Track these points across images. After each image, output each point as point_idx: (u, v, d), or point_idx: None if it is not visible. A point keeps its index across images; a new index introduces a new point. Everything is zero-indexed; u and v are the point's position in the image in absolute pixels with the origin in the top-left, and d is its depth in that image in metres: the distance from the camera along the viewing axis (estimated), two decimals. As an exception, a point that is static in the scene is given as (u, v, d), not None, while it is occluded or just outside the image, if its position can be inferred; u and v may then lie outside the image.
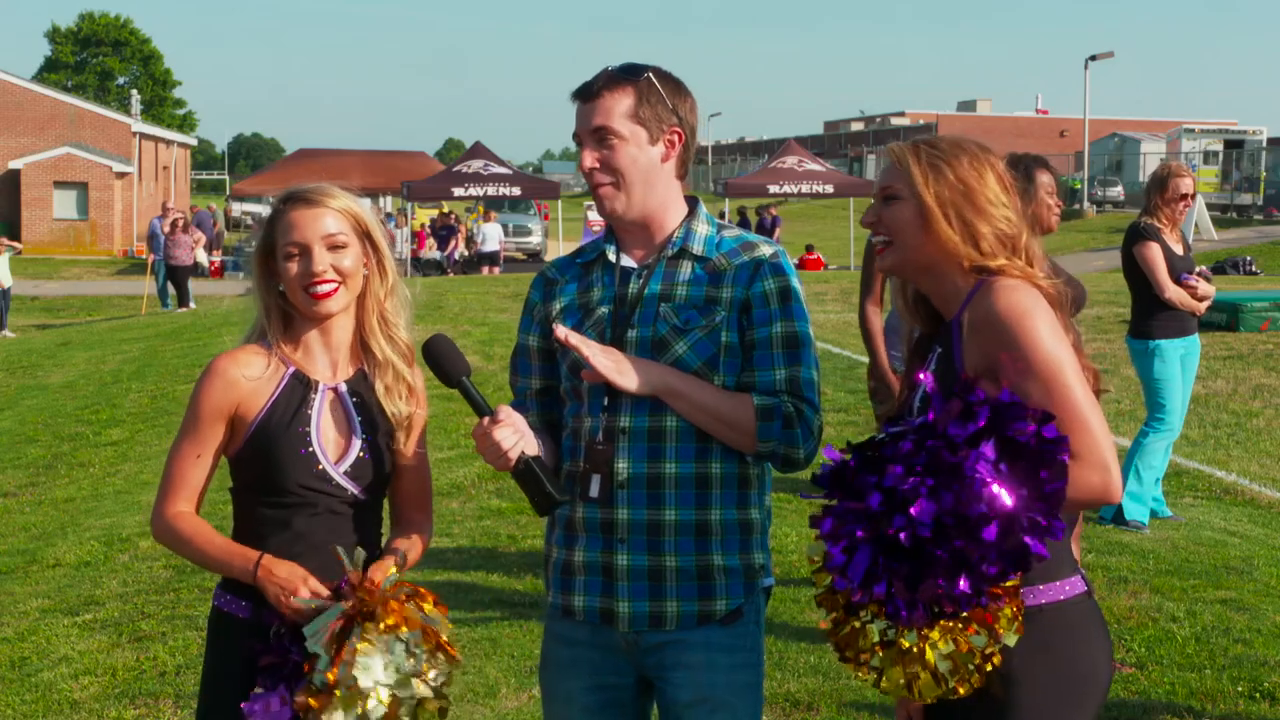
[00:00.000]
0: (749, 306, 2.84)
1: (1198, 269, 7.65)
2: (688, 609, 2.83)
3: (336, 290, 2.81)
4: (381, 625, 2.62)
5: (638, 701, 2.93)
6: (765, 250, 2.89)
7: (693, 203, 2.97)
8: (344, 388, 2.89)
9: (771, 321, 2.84)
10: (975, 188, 2.60)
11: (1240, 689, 5.19)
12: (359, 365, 2.93)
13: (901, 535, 2.32)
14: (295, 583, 2.71)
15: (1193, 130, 52.37)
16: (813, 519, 2.45)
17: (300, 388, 2.84)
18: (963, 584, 2.33)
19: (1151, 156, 53.58)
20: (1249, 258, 31.23)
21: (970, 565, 2.32)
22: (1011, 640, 2.42)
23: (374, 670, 2.59)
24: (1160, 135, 56.58)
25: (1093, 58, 44.66)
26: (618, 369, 2.75)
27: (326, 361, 2.89)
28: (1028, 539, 2.33)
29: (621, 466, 2.82)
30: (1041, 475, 2.34)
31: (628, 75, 2.86)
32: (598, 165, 2.84)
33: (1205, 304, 7.61)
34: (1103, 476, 2.44)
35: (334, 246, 2.81)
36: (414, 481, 3.00)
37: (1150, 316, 7.58)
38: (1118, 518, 7.60)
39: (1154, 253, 7.46)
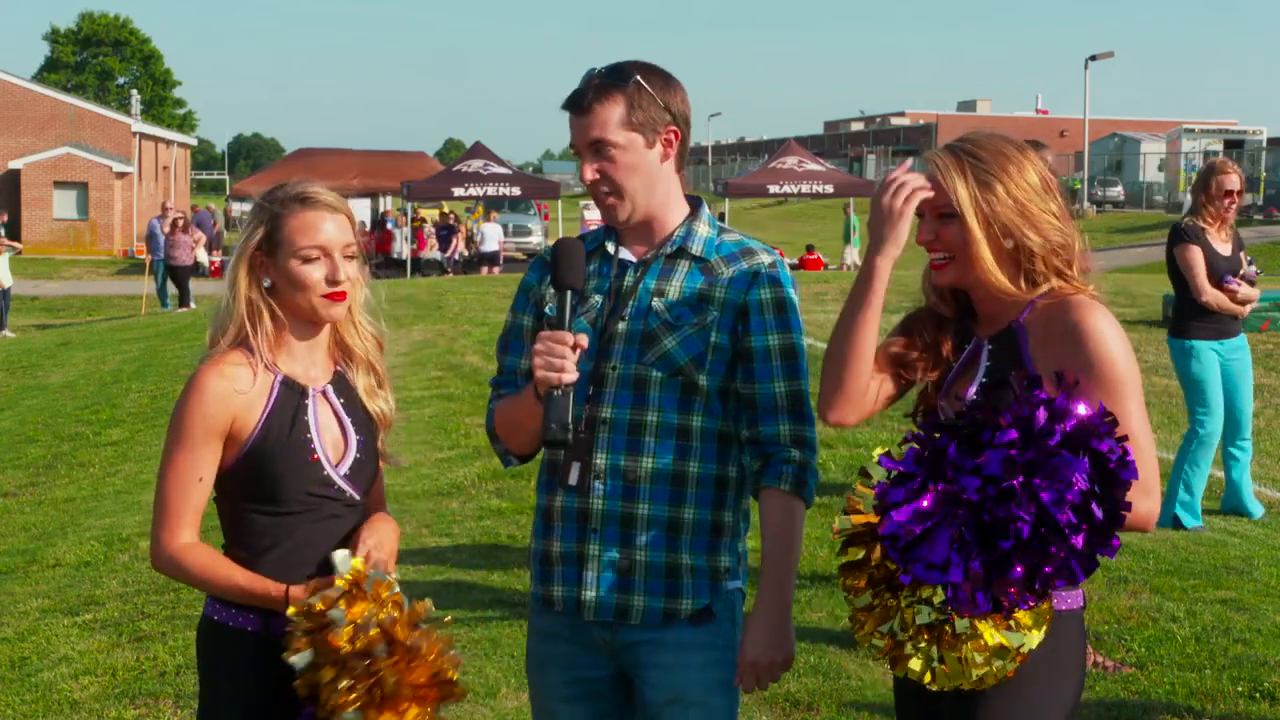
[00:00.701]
0: (745, 313, 2.85)
1: (1243, 270, 7.57)
2: (654, 605, 2.84)
3: (347, 296, 2.80)
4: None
5: (616, 693, 2.94)
6: (764, 258, 2.90)
7: (696, 203, 2.97)
8: (330, 390, 2.86)
9: (768, 331, 2.85)
10: (1025, 200, 2.61)
11: (1240, 689, 5.19)
12: (336, 365, 2.90)
13: (1009, 527, 2.32)
14: None
15: (1193, 130, 52.36)
16: (880, 488, 2.45)
17: (293, 394, 2.78)
18: (1037, 584, 2.36)
19: (1151, 156, 53.66)
20: (1249, 258, 31.24)
21: (1048, 566, 2.34)
22: (1036, 641, 2.45)
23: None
24: (1160, 135, 56.57)
25: (1093, 58, 44.66)
26: (774, 654, 2.82)
27: (309, 363, 2.84)
28: (1101, 552, 2.37)
29: (599, 457, 2.83)
30: (1114, 493, 2.36)
31: (616, 82, 2.82)
32: (598, 177, 2.85)
33: (1248, 307, 7.58)
34: (1149, 505, 2.51)
35: (349, 256, 2.80)
36: (380, 480, 2.99)
37: (1190, 317, 7.56)
38: (1176, 524, 7.65)
39: (1193, 255, 7.42)
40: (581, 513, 2.85)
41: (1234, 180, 7.47)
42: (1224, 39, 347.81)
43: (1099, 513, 2.33)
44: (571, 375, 2.66)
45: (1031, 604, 2.41)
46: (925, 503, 2.38)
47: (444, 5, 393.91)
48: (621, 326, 2.85)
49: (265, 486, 2.74)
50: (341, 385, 2.88)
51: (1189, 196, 7.59)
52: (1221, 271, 7.46)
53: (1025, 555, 2.33)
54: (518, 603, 6.31)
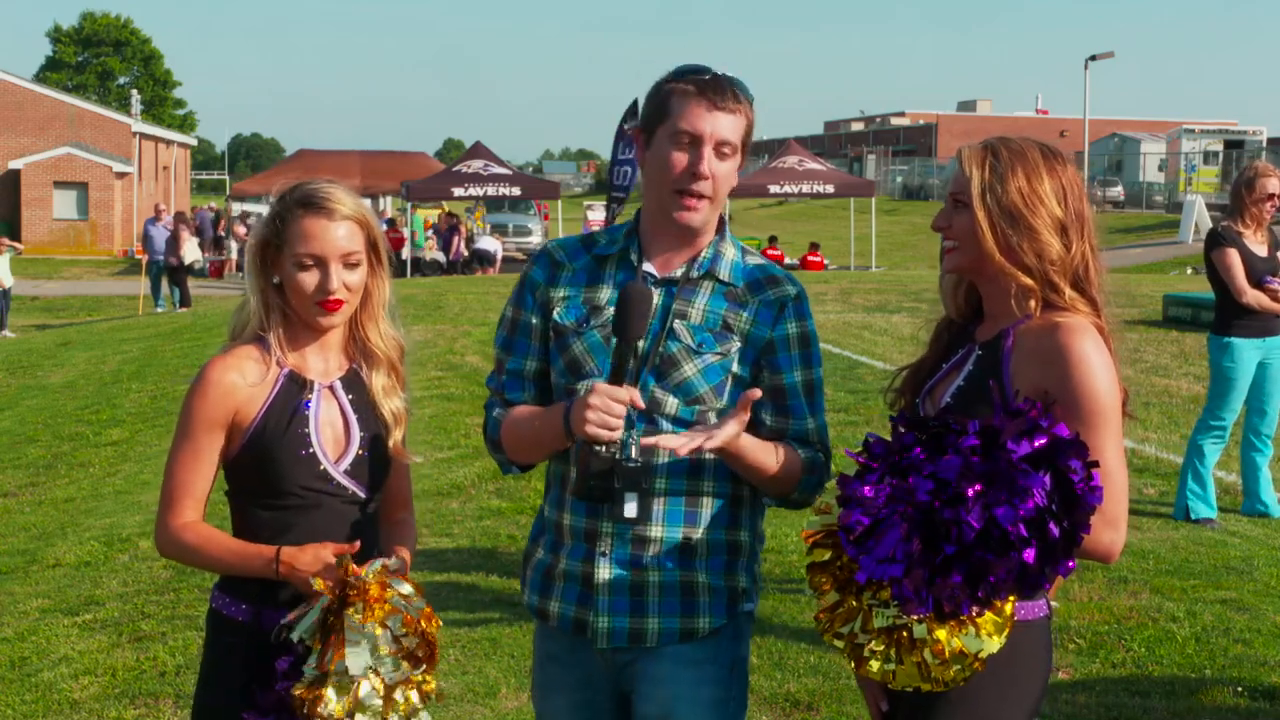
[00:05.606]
0: (772, 349, 2.81)
1: None
2: (669, 625, 2.79)
3: (343, 306, 2.80)
4: (361, 613, 2.61)
5: (618, 712, 2.90)
6: (790, 289, 2.85)
7: (720, 221, 2.89)
8: (339, 385, 2.86)
9: (795, 368, 2.82)
10: (1023, 208, 2.59)
11: (1240, 689, 5.19)
12: (351, 362, 2.90)
13: (952, 530, 2.32)
14: (321, 565, 2.68)
15: (1193, 130, 52.27)
16: (842, 479, 2.45)
17: (295, 388, 2.81)
18: (980, 591, 2.36)
19: (1151, 156, 53.61)
20: None
21: (991, 575, 2.34)
22: (995, 647, 2.46)
23: (362, 656, 2.59)
24: (1160, 135, 56.50)
25: (1093, 58, 44.58)
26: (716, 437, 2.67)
27: (320, 359, 2.86)
28: (1052, 570, 2.37)
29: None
30: (1075, 514, 2.36)
31: (747, 95, 2.78)
32: (710, 177, 2.74)
33: None
34: (1111, 535, 2.51)
35: (349, 265, 2.79)
36: (400, 479, 2.99)
37: (1232, 317, 7.67)
38: (1188, 518, 7.74)
39: (1231, 258, 7.55)
40: (590, 533, 2.80)
41: (1275, 184, 7.61)
42: (1224, 39, 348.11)
43: (1055, 530, 2.33)
44: (620, 433, 2.61)
45: (976, 610, 2.41)
46: (877, 497, 2.39)
47: (444, 5, 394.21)
48: (641, 345, 2.75)
49: (265, 478, 2.77)
50: (353, 382, 2.89)
51: (1201, 199, 7.69)
52: (1260, 272, 7.59)
53: (967, 561, 2.33)
54: (518, 603, 6.30)
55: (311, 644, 2.63)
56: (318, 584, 2.65)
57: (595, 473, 2.62)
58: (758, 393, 2.66)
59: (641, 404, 2.64)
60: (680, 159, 2.72)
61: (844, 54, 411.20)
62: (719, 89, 2.72)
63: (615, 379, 2.62)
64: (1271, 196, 7.56)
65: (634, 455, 2.72)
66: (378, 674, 2.61)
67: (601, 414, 2.58)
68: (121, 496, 9.59)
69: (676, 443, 2.61)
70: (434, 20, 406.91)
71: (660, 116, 2.76)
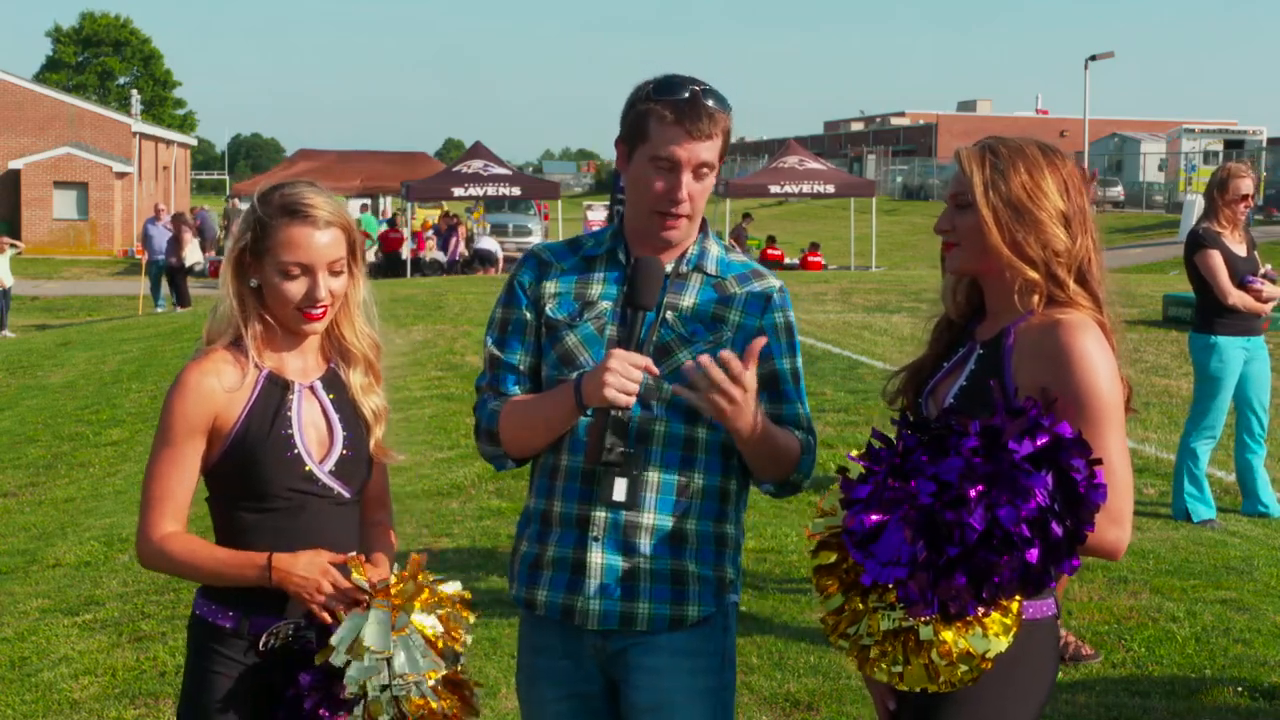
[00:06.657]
0: (761, 336, 2.84)
1: (1263, 269, 7.72)
2: (660, 611, 2.83)
3: (326, 313, 2.79)
4: (397, 599, 2.64)
5: (608, 708, 2.92)
6: (774, 282, 2.94)
7: (702, 222, 2.95)
8: (319, 385, 2.85)
9: (784, 355, 2.90)
10: (1027, 201, 2.60)
11: (1240, 689, 5.19)
12: (329, 362, 2.89)
13: (955, 532, 2.33)
14: (316, 578, 2.68)
15: (1193, 130, 52.26)
16: (845, 483, 2.46)
17: (276, 389, 2.78)
18: (984, 592, 2.36)
19: (1151, 156, 53.60)
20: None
21: (996, 576, 2.34)
22: (1002, 646, 2.46)
23: (383, 630, 2.62)
24: (1160, 135, 56.48)
25: (1093, 58, 44.56)
26: (735, 410, 2.68)
27: (299, 360, 2.84)
28: (1056, 569, 2.37)
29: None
30: (1079, 513, 2.37)
31: (725, 109, 2.81)
32: (689, 199, 2.79)
33: (1270, 304, 7.66)
34: (1117, 532, 2.51)
35: (334, 272, 2.78)
36: (379, 479, 2.97)
37: (1215, 315, 7.67)
38: (1189, 520, 7.75)
39: (1214, 260, 7.55)
40: (582, 519, 2.83)
41: (1248, 184, 7.64)
42: (1224, 39, 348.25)
43: (1058, 530, 2.33)
44: (634, 398, 2.68)
45: (982, 611, 2.41)
46: (879, 500, 2.39)
47: (444, 5, 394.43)
48: (640, 330, 2.80)
49: (249, 482, 2.75)
50: (333, 381, 2.87)
51: (1201, 199, 7.68)
52: (1242, 273, 7.60)
53: (970, 562, 2.33)
54: (518, 603, 6.31)
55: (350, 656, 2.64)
56: (340, 614, 2.67)
57: (612, 439, 2.69)
58: (763, 340, 2.73)
59: (656, 370, 2.71)
60: (659, 184, 2.78)
61: (844, 54, 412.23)
62: (696, 115, 2.75)
63: (628, 345, 2.72)
64: (1245, 197, 7.58)
65: (631, 445, 2.78)
66: (419, 680, 2.66)
67: (620, 378, 2.65)
68: (121, 496, 9.59)
69: (702, 361, 2.66)
70: (434, 20, 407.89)
71: (639, 137, 2.81)
